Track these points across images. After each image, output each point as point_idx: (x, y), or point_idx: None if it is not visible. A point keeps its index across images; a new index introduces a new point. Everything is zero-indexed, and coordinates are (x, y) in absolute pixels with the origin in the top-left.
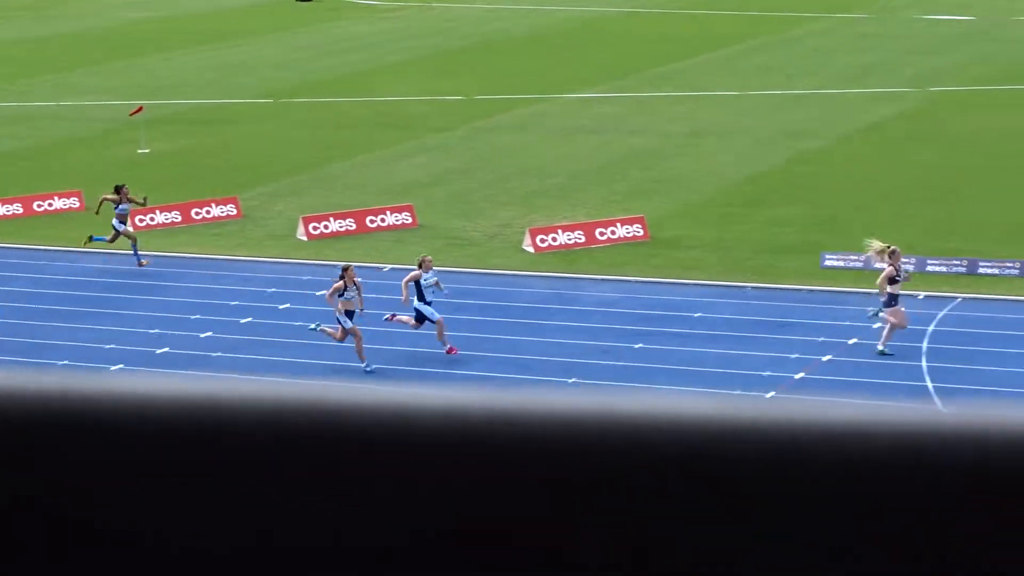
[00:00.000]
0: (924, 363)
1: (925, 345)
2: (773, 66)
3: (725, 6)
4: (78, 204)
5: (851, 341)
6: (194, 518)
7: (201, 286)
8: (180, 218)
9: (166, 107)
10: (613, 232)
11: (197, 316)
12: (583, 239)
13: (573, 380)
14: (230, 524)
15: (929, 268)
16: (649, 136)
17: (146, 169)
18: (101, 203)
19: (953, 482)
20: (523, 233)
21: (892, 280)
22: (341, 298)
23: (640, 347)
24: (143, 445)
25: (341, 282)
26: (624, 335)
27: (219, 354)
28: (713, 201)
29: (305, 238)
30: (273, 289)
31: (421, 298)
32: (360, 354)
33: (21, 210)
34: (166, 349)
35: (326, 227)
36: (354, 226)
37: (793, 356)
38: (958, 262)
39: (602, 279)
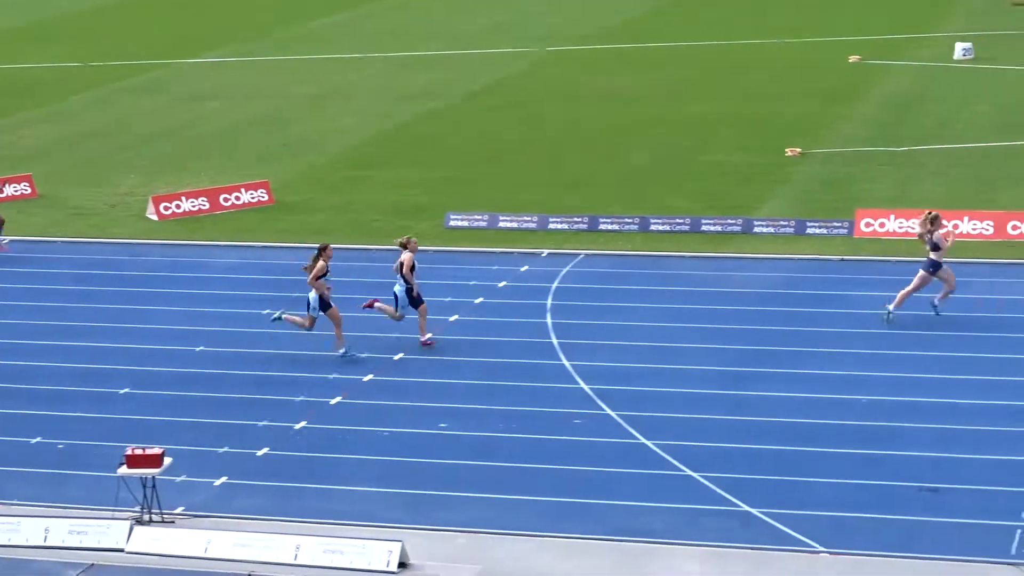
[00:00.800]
0: (549, 320)
1: (550, 302)
2: (398, 28)
3: None
4: None
5: (477, 300)
6: None
7: None
8: None
9: None
10: (238, 198)
11: None
12: (207, 206)
13: (200, 348)
14: None
15: (551, 226)
16: (273, 100)
17: None
18: None
19: None
20: (146, 201)
21: (935, 247)
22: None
23: (268, 312)
24: None
25: (323, 263)
26: (249, 301)
27: None
28: (338, 164)
29: None
30: None
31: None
32: (339, 340)
33: None
34: None
35: None
36: None
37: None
38: (579, 219)
39: (227, 245)
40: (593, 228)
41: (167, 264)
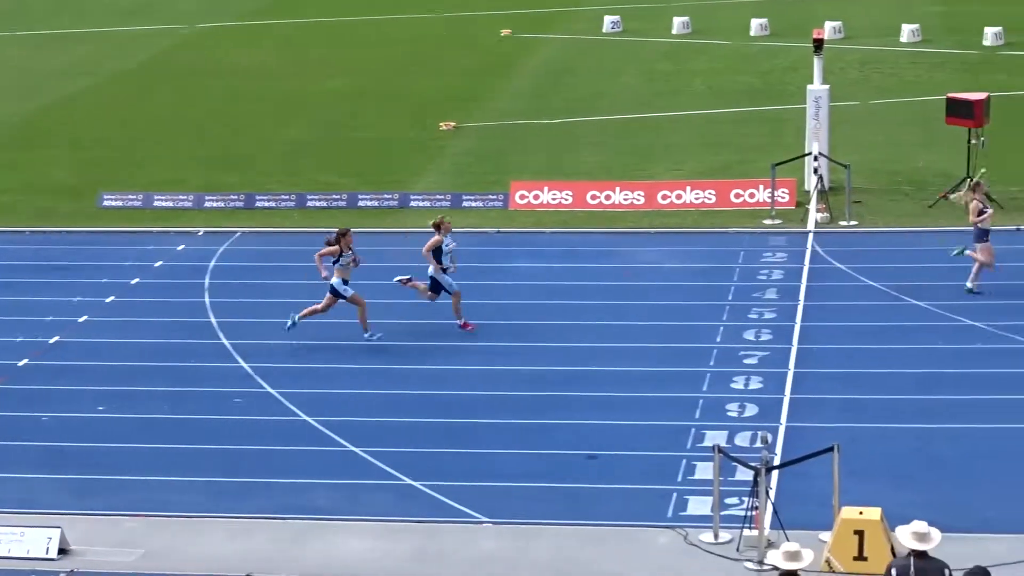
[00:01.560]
0: (207, 299)
1: (207, 281)
2: (27, 4)
3: None
4: None
5: (134, 281)
6: None
7: None
8: None
9: None
10: None
11: None
12: None
13: None
14: None
15: (207, 204)
16: None
17: None
18: None
19: None
20: None
21: (980, 212)
22: (337, 264)
23: None
24: None
25: (336, 246)
26: None
27: None
28: None
29: None
30: None
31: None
32: (364, 323)
33: None
34: None
35: None
36: None
37: (76, 300)
38: (235, 196)
39: None
40: (250, 206)
41: None
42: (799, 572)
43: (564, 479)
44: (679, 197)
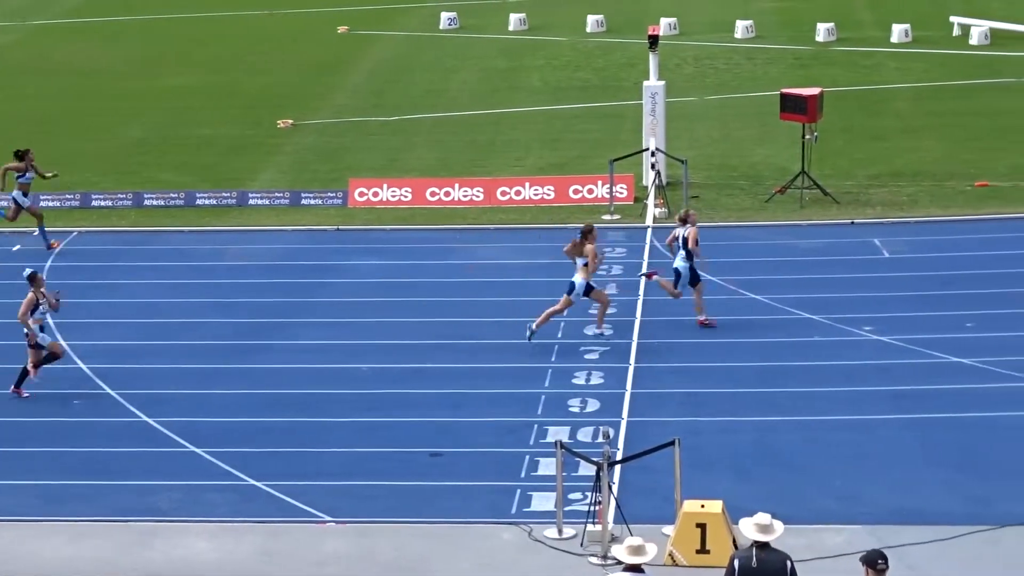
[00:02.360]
0: None
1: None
2: None
3: None
4: None
5: None
6: None
7: None
8: None
9: None
10: None
11: None
12: None
13: None
14: None
15: (43, 203)
16: None
17: None
18: (4, 173)
19: None
20: None
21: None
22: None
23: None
24: None
25: (591, 245)
26: None
27: None
28: None
29: None
30: None
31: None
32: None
33: None
34: None
35: None
36: None
37: None
38: (71, 196)
39: None
40: (86, 205)
41: None
42: (643, 566)
43: (407, 477)
44: (518, 193)
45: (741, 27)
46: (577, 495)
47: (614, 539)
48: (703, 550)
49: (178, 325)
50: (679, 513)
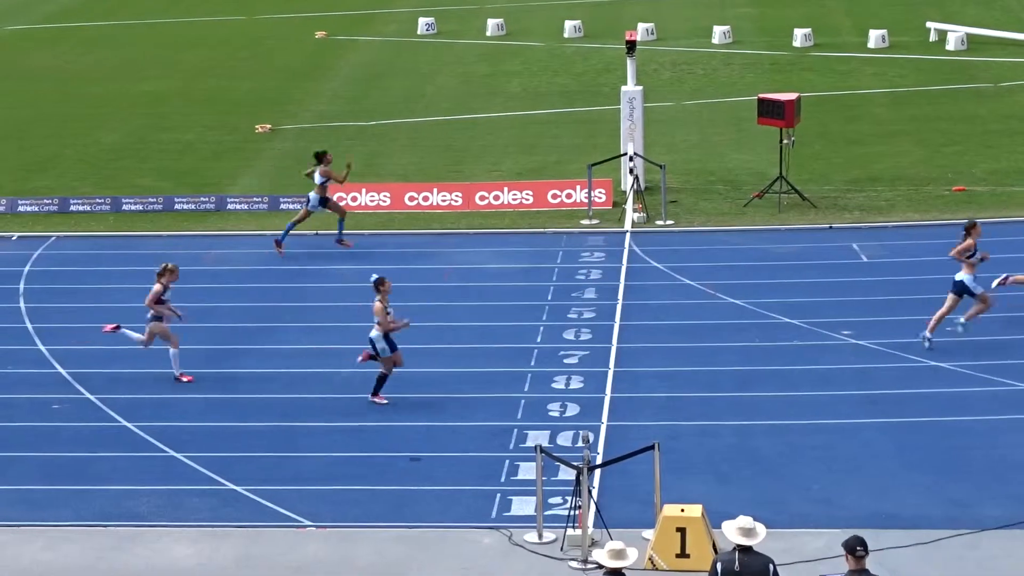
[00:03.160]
0: (23, 304)
1: (22, 286)
2: None
3: None
4: None
5: None
6: None
7: None
8: None
9: None
10: None
11: None
12: None
13: None
14: None
15: (21, 209)
16: None
17: None
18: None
19: None
20: None
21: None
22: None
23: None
24: None
25: (971, 240)
26: None
27: None
28: None
29: None
30: None
31: None
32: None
33: None
34: None
35: None
36: None
37: None
38: (49, 201)
39: None
40: (64, 210)
41: None
42: (624, 570)
43: (387, 482)
44: (497, 198)
45: (718, 32)
46: (557, 499)
47: (594, 543)
48: (683, 554)
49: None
50: (659, 517)
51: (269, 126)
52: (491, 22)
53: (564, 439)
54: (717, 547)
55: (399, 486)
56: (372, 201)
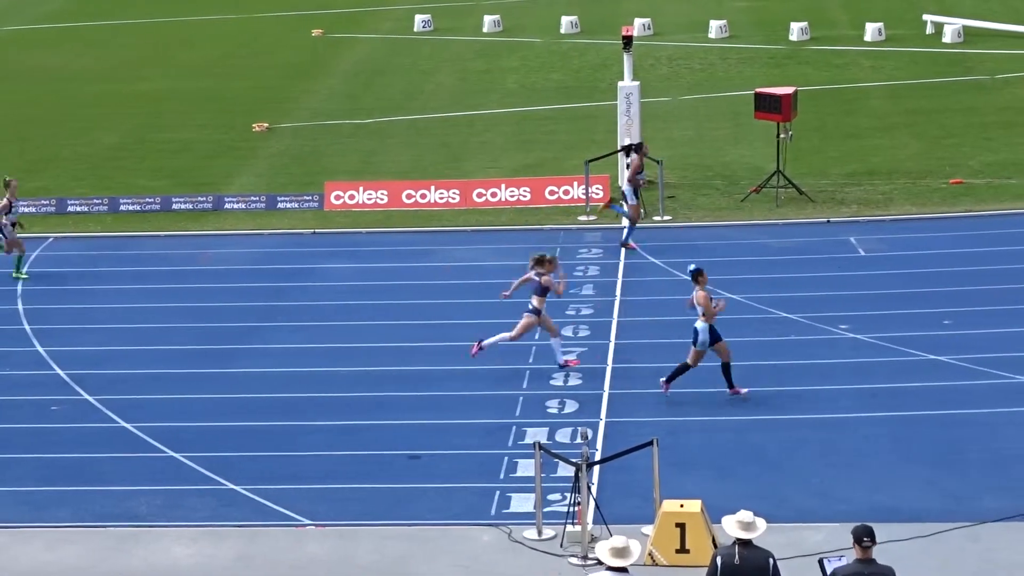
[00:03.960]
0: (20, 305)
1: (20, 287)
2: None
3: None
4: None
5: None
6: None
7: None
8: None
9: None
10: None
11: None
12: None
13: None
14: None
15: (19, 209)
16: None
17: None
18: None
19: None
20: None
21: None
22: None
23: None
24: None
25: None
26: None
27: None
28: None
29: None
30: None
31: None
32: None
33: None
34: None
35: None
36: None
37: None
38: (46, 202)
39: None
40: (61, 211)
41: None
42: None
43: (386, 479)
44: (494, 195)
45: (715, 27)
46: (556, 496)
47: (594, 539)
48: (683, 550)
49: (155, 330)
50: (658, 513)
51: (266, 125)
52: (488, 18)
53: (563, 436)
54: (716, 542)
55: (398, 484)
56: (370, 199)
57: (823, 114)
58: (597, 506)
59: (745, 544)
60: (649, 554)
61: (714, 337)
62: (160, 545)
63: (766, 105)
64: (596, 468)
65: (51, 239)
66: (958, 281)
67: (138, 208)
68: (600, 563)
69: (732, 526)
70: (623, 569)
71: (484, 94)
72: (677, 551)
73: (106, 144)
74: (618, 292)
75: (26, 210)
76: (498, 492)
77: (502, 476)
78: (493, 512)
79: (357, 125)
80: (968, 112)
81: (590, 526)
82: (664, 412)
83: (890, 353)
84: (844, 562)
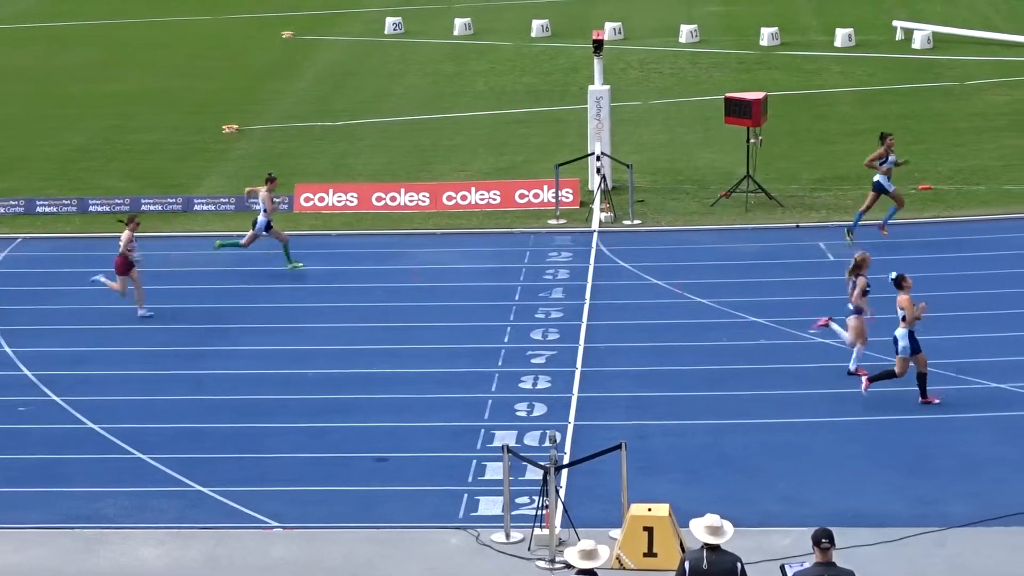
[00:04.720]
0: None
1: None
2: None
3: None
4: None
5: None
6: None
7: None
8: None
9: None
10: None
11: None
12: None
13: None
14: None
15: None
16: None
17: None
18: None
19: None
20: None
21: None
22: None
23: None
24: None
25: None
26: None
27: None
28: None
29: None
30: None
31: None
32: None
33: None
34: None
35: None
36: None
37: None
38: (15, 202)
39: None
40: (30, 211)
41: None
42: (595, 570)
43: (354, 482)
44: (464, 198)
45: (685, 31)
46: (524, 499)
47: (562, 543)
48: (650, 553)
49: (124, 331)
50: (626, 516)
51: (236, 126)
52: (458, 21)
53: (531, 439)
54: (684, 546)
55: (366, 486)
56: (339, 201)
57: (793, 119)
58: (565, 509)
59: (713, 548)
60: (617, 558)
61: (914, 346)
62: (128, 547)
63: (736, 110)
64: (564, 471)
65: (20, 240)
66: (926, 287)
67: (107, 209)
68: (569, 566)
69: (700, 530)
70: (591, 572)
71: (455, 97)
72: (645, 555)
73: (75, 145)
74: (587, 296)
75: None
76: (466, 495)
77: (470, 479)
78: (461, 515)
79: (327, 127)
80: (937, 118)
81: (558, 529)
82: (632, 416)
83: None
84: (805, 566)
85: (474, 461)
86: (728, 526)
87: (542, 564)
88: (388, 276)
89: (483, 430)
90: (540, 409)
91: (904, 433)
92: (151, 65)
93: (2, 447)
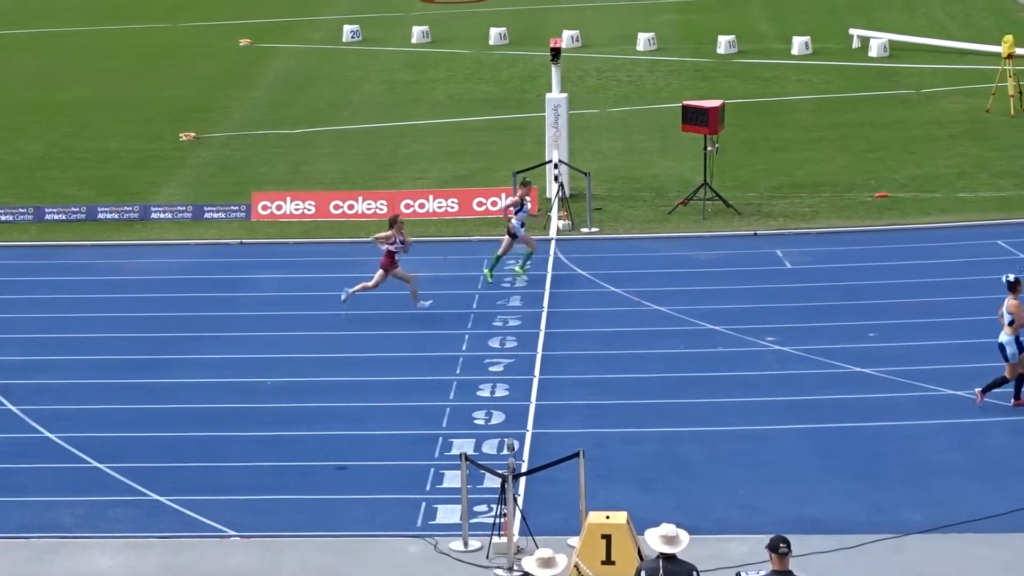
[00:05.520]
0: None
1: None
2: None
3: None
4: None
5: None
6: None
7: None
8: None
9: None
10: None
11: None
12: None
13: None
14: None
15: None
16: None
17: None
18: None
19: None
20: None
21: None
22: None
23: None
24: None
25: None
26: None
27: None
28: None
29: None
30: None
31: None
32: None
33: None
34: None
35: None
36: None
37: None
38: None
39: None
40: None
41: None
42: None
43: (312, 491)
44: (422, 206)
45: (643, 39)
46: (482, 507)
47: (520, 551)
48: (608, 561)
49: (80, 340)
50: (584, 524)
51: (193, 134)
52: (416, 29)
53: (489, 447)
54: (643, 554)
55: (324, 495)
56: (297, 209)
57: (750, 127)
58: (523, 518)
59: (669, 558)
60: (575, 566)
61: (1021, 348)
62: (84, 556)
63: (693, 118)
64: (522, 480)
65: None
66: (883, 294)
67: (64, 218)
68: (527, 575)
69: (655, 540)
70: None
71: (412, 105)
72: (603, 563)
73: (31, 153)
74: (545, 304)
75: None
76: (424, 503)
77: (428, 487)
78: (419, 523)
79: (285, 135)
80: (894, 126)
81: (516, 538)
82: (591, 424)
83: (815, 365)
84: (762, 575)
85: (432, 469)
86: (684, 535)
87: (500, 572)
88: (345, 284)
89: (441, 438)
90: (498, 417)
91: (860, 440)
92: (108, 73)
93: None
